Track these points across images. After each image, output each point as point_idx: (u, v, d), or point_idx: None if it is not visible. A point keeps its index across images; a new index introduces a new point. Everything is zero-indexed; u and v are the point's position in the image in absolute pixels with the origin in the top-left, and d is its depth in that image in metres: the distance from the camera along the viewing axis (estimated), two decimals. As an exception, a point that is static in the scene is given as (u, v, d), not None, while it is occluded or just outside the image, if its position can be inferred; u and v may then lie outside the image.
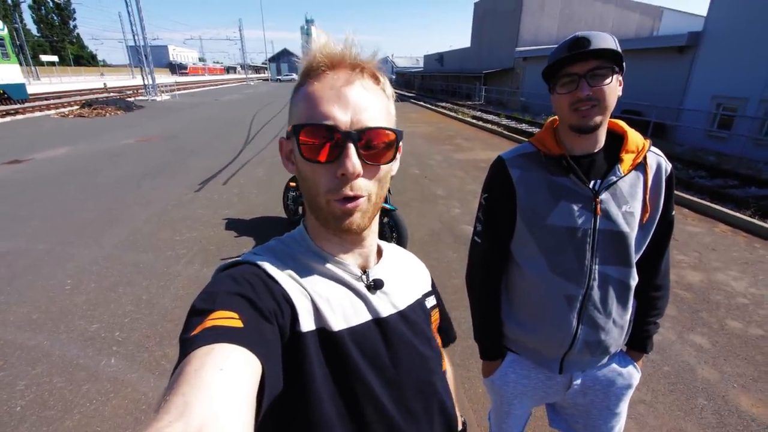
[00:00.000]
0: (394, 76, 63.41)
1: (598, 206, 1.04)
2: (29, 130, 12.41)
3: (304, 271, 0.60)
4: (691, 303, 3.30)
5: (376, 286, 0.64)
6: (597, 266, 1.08)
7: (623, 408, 1.27)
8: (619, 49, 0.95)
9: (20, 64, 18.64)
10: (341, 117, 0.53)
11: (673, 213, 1.13)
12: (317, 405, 0.54)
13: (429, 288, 0.79)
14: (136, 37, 24.14)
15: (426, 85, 40.25)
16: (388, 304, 0.65)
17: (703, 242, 4.56)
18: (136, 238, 4.46)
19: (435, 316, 0.78)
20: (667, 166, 1.08)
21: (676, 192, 1.15)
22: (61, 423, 2.08)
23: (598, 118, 0.98)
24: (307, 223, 0.66)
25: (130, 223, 4.92)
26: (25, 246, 4.24)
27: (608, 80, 0.95)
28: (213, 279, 0.55)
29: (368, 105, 0.55)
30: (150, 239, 4.44)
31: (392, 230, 3.70)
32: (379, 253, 0.72)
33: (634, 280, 1.12)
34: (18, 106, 17.38)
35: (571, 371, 1.20)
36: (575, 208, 1.05)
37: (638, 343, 1.24)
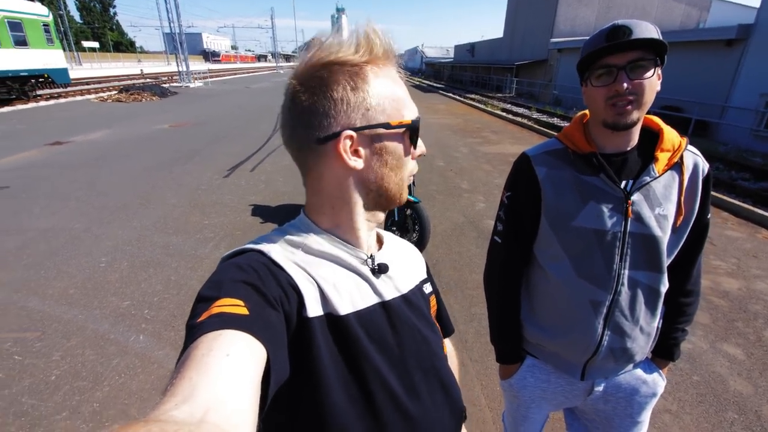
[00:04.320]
0: (423, 67, 62.57)
1: (630, 208, 0.99)
2: (70, 113, 13.01)
3: (309, 257, 0.61)
4: (727, 312, 3.13)
5: (380, 270, 0.65)
6: (626, 271, 1.03)
7: (646, 417, 1.22)
8: (663, 40, 0.89)
9: (63, 49, 19.47)
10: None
11: (709, 216, 1.06)
12: (327, 390, 0.55)
13: (425, 275, 0.80)
14: (171, 25, 24.76)
15: (456, 75, 39.55)
16: (392, 288, 0.66)
17: (743, 248, 4.32)
18: (166, 221, 4.62)
19: (433, 302, 0.80)
20: (704, 166, 1.02)
21: (715, 194, 1.08)
22: (91, 393, 2.20)
23: (635, 115, 0.92)
24: (312, 208, 0.65)
25: (161, 206, 5.10)
26: (64, 224, 4.47)
27: (649, 73, 0.89)
28: (218, 267, 0.56)
29: None
30: (180, 222, 4.59)
31: (415, 222, 3.68)
32: (380, 240, 0.74)
33: (665, 286, 1.06)
34: (61, 90, 18.25)
35: (593, 377, 1.16)
36: (605, 209, 1.00)
37: (665, 351, 1.18)
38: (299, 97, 0.57)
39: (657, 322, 1.11)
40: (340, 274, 0.61)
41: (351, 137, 0.58)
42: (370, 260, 0.65)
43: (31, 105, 14.45)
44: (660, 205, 1.00)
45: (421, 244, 3.65)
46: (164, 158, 7.41)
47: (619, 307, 1.05)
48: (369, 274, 0.64)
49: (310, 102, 0.56)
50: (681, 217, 1.01)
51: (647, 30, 0.88)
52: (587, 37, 1.00)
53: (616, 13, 22.37)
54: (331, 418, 0.55)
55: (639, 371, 1.18)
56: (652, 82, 0.90)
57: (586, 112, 1.07)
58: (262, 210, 4.99)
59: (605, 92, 0.92)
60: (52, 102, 15.47)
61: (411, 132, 0.62)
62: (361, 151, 0.60)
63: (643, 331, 1.09)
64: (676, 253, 1.06)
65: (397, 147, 0.62)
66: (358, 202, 0.63)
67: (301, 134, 0.59)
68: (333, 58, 0.56)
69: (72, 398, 2.16)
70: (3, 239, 4.06)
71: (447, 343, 0.84)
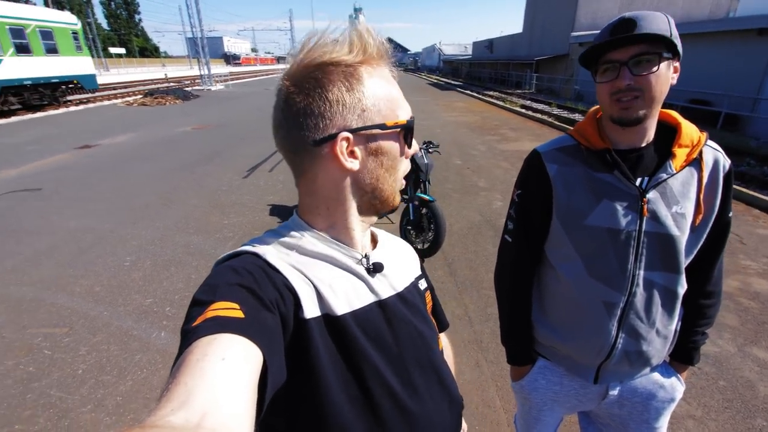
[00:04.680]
0: (441, 64, 62.11)
1: (645, 206, 0.96)
2: (98, 117, 13.50)
3: (304, 258, 0.60)
4: (757, 314, 2.99)
5: (375, 269, 0.65)
6: (641, 271, 0.99)
7: (663, 423, 1.18)
8: (671, 33, 0.85)
9: (91, 56, 20.20)
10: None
11: (731, 214, 1.02)
12: (326, 390, 0.55)
13: (420, 272, 0.80)
14: (193, 30, 25.37)
15: (474, 73, 39.12)
16: (387, 286, 0.66)
17: (777, 247, 4.12)
18: (187, 221, 4.74)
19: (428, 298, 0.80)
20: (725, 162, 0.97)
21: (746, 191, 1.03)
22: (115, 387, 2.28)
23: (641, 111, 0.89)
24: (306, 209, 0.65)
25: (183, 206, 5.23)
26: (92, 225, 4.64)
27: (655, 68, 0.85)
28: (213, 271, 0.56)
29: None
30: (200, 222, 4.71)
31: (430, 221, 3.66)
32: (374, 239, 0.74)
33: (683, 288, 1.02)
34: (89, 95, 18.94)
35: (607, 381, 1.13)
36: (619, 207, 0.97)
37: (684, 355, 1.14)
38: (293, 98, 0.56)
39: (675, 324, 1.08)
40: (336, 275, 0.61)
41: (347, 139, 0.57)
42: (365, 260, 0.65)
43: (61, 110, 15.06)
44: (677, 203, 0.96)
45: (436, 243, 3.63)
46: (186, 160, 7.61)
47: (633, 308, 1.02)
48: (364, 273, 0.64)
49: (305, 103, 0.56)
50: (700, 216, 0.97)
51: (655, 22, 0.85)
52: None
53: (640, 4, 21.66)
54: (331, 418, 0.55)
55: (656, 375, 1.14)
56: (660, 76, 0.87)
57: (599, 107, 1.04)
58: (279, 210, 5.07)
59: (609, 88, 0.90)
60: (81, 107, 16.08)
61: (406, 132, 0.62)
62: (357, 152, 0.59)
63: (660, 334, 1.06)
64: (695, 253, 1.02)
65: (392, 147, 0.62)
66: (353, 203, 0.63)
67: (295, 136, 0.58)
68: (327, 58, 0.55)
69: (97, 391, 2.25)
70: (35, 239, 4.25)
71: (442, 336, 0.84)
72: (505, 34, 35.05)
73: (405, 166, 0.66)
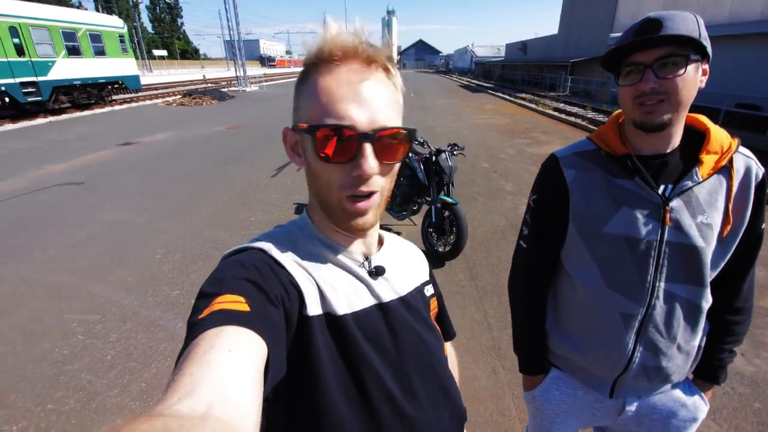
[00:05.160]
0: (473, 66, 61.38)
1: (668, 215, 0.91)
2: (140, 116, 14.18)
3: (308, 258, 0.61)
4: (803, 334, 2.78)
5: (377, 272, 0.65)
6: (662, 283, 0.94)
7: (685, 444, 1.11)
8: (700, 33, 0.81)
9: (136, 58, 21.25)
10: (358, 117, 0.53)
11: (763, 226, 0.95)
12: (324, 388, 0.55)
13: (427, 277, 0.79)
14: (231, 32, 26.24)
15: (506, 75, 38.42)
16: (389, 290, 0.66)
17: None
18: (216, 218, 4.89)
19: (433, 304, 0.78)
20: (758, 170, 0.91)
21: None
22: (140, 374, 2.38)
23: (666, 116, 0.84)
24: (312, 211, 0.66)
25: (213, 203, 5.41)
26: (128, 218, 4.88)
27: (681, 71, 0.81)
28: (220, 264, 0.57)
29: (383, 103, 0.55)
30: (228, 219, 4.85)
31: (452, 224, 3.62)
32: (380, 241, 0.73)
33: (707, 302, 0.96)
34: (132, 95, 19.93)
35: (624, 396, 1.08)
36: (639, 215, 0.93)
37: (709, 373, 1.07)
38: None
39: (698, 340, 1.01)
40: (337, 275, 0.62)
41: (286, 133, 0.61)
42: (366, 263, 0.65)
43: (107, 109, 15.92)
44: (703, 212, 0.91)
45: (458, 247, 3.58)
46: (219, 158, 7.87)
47: (653, 321, 0.97)
48: (365, 275, 0.64)
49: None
50: (728, 227, 0.91)
51: (682, 23, 0.81)
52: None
53: (685, 3, 20.61)
54: (327, 417, 0.56)
55: (678, 392, 1.08)
56: (687, 79, 0.82)
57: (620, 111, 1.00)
58: (305, 208, 5.14)
59: (632, 91, 0.86)
60: (125, 106, 16.96)
61: (312, 137, 0.54)
62: (300, 149, 0.61)
63: (681, 350, 1.00)
64: (722, 265, 0.96)
65: (309, 151, 0.57)
66: (320, 207, 0.64)
67: None
68: (305, 58, 0.58)
69: (123, 377, 2.35)
70: (77, 230, 4.51)
71: (447, 346, 0.83)
72: (540, 36, 34.23)
73: (329, 176, 0.56)
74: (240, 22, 26.13)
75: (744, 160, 0.92)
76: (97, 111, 15.33)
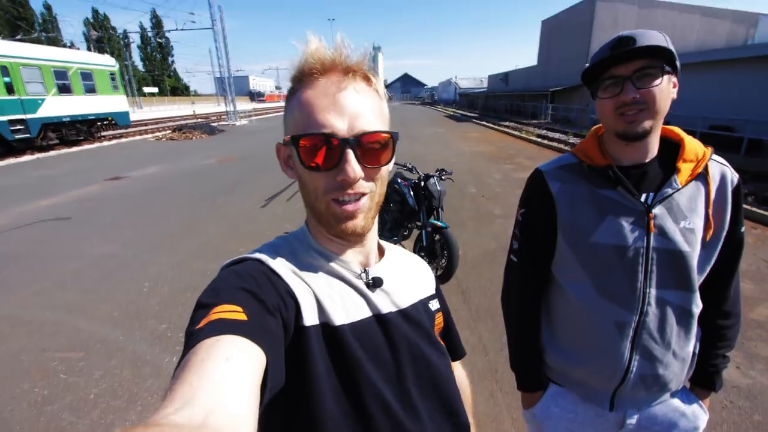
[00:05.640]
0: (458, 97, 63.32)
1: (652, 222, 0.93)
2: (129, 151, 14.20)
3: (306, 268, 0.61)
4: (795, 345, 2.80)
5: (375, 284, 0.64)
6: (652, 289, 0.96)
7: (687, 456, 1.09)
8: (670, 46, 0.87)
9: (127, 95, 21.51)
10: (338, 124, 0.55)
11: (743, 230, 0.98)
12: (320, 398, 0.55)
13: (433, 291, 0.78)
14: (221, 70, 26.87)
15: (490, 104, 39.67)
16: (388, 302, 0.65)
17: (814, 276, 3.88)
18: (206, 249, 4.84)
19: (439, 319, 0.76)
20: (733, 176, 0.95)
21: None
22: (125, 413, 2.27)
23: (647, 124, 0.89)
24: (309, 223, 0.68)
25: (203, 235, 5.36)
26: (116, 251, 4.79)
27: (657, 81, 0.86)
28: (218, 275, 0.58)
29: (363, 109, 0.57)
30: (218, 250, 4.80)
31: (443, 248, 3.63)
32: (382, 252, 0.73)
33: (698, 307, 0.98)
34: (122, 131, 20.03)
35: (624, 408, 1.07)
36: (624, 224, 0.96)
37: (705, 380, 1.07)
38: None
39: (692, 346, 1.02)
40: (335, 285, 0.62)
41: (279, 148, 0.63)
42: (363, 274, 0.65)
43: (96, 145, 15.93)
44: (685, 218, 0.94)
45: (449, 270, 3.58)
46: (209, 190, 7.86)
47: (647, 329, 0.98)
48: (363, 287, 0.63)
49: None
50: (710, 231, 0.94)
51: (653, 38, 0.87)
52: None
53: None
54: (323, 428, 0.55)
55: (676, 402, 1.08)
56: (663, 89, 0.87)
57: (602, 125, 1.05)
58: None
59: (613, 103, 0.90)
60: (114, 141, 17.00)
61: (295, 147, 0.57)
62: (291, 162, 0.62)
63: (677, 356, 1.00)
64: (708, 270, 0.99)
65: (296, 161, 0.60)
66: (313, 218, 0.65)
67: None
68: (290, 75, 0.61)
69: (107, 416, 2.25)
70: (64, 264, 4.41)
71: (457, 366, 0.81)
72: (520, 67, 35.65)
73: (316, 183, 0.58)
74: (230, 59, 26.83)
75: (719, 167, 0.96)
76: (86, 147, 15.33)
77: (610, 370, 1.02)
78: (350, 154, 0.55)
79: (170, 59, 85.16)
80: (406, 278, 0.72)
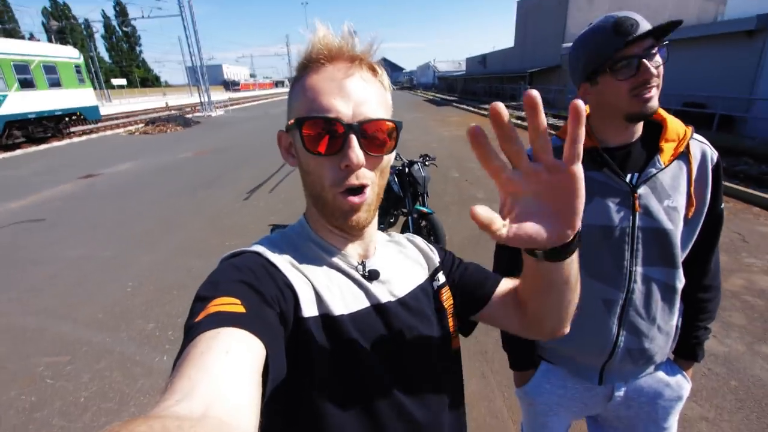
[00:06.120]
0: (436, 81, 63.06)
1: (637, 201, 0.97)
2: (101, 147, 13.70)
3: (305, 260, 0.61)
4: (764, 311, 2.95)
5: (371, 276, 0.65)
6: (638, 267, 1.00)
7: (672, 422, 1.16)
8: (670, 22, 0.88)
9: (94, 88, 20.62)
10: (343, 109, 0.54)
11: (722, 206, 1.02)
12: (323, 389, 0.55)
13: (436, 265, 0.75)
14: (193, 58, 25.97)
15: (468, 88, 39.67)
16: (386, 292, 0.65)
17: (781, 244, 4.09)
18: (189, 245, 4.75)
19: (446, 294, 0.74)
20: (713, 154, 0.99)
21: (745, 189, 1.04)
22: (117, 414, 2.25)
23: (656, 101, 0.91)
24: (308, 214, 0.67)
25: (184, 230, 5.26)
26: (94, 252, 4.66)
27: (663, 59, 0.90)
28: (216, 268, 0.57)
29: (368, 97, 0.56)
30: (201, 245, 4.72)
31: (430, 233, 3.66)
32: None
33: (681, 282, 1.02)
34: (92, 126, 19.26)
35: (612, 381, 1.12)
36: (611, 204, 0.98)
37: (687, 351, 1.13)
38: None
39: (675, 320, 1.07)
40: (333, 277, 0.62)
41: (281, 134, 0.63)
42: (360, 266, 0.65)
43: (65, 142, 15.29)
44: (669, 197, 0.97)
45: (437, 255, 3.62)
46: (187, 185, 7.68)
47: (633, 305, 1.02)
48: (361, 279, 0.64)
49: None
50: (692, 209, 0.98)
51: (644, 20, 0.89)
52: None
53: (629, 9, 22.03)
54: (328, 418, 0.56)
55: (661, 373, 1.13)
56: (662, 68, 0.90)
57: (596, 108, 1.05)
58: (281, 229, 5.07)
59: (630, 84, 0.89)
60: (84, 138, 16.34)
61: (299, 131, 0.56)
62: (293, 149, 0.62)
63: (662, 330, 1.05)
64: (690, 246, 1.03)
65: (299, 147, 0.59)
66: (314, 208, 0.64)
67: None
68: (297, 63, 0.60)
69: (99, 419, 2.22)
70: (38, 269, 4.26)
71: (503, 283, 0.75)
72: (498, 49, 35.64)
73: (320, 171, 0.57)
74: (201, 48, 25.95)
75: (699, 146, 0.99)
76: (55, 144, 14.71)
77: (599, 345, 1.06)
78: (354, 140, 0.54)
79: (138, 49, 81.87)
80: (402, 266, 0.72)
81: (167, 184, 7.83)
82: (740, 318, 2.88)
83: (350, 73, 0.56)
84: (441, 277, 0.74)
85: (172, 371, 0.39)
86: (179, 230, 5.27)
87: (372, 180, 0.59)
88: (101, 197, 7.12)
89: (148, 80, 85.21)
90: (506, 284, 0.75)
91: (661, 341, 1.06)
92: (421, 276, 0.73)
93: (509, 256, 1.17)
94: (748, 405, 2.14)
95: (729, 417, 2.07)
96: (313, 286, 0.59)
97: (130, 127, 19.00)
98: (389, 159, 0.62)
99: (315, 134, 0.55)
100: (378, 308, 0.63)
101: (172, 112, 27.92)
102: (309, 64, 0.58)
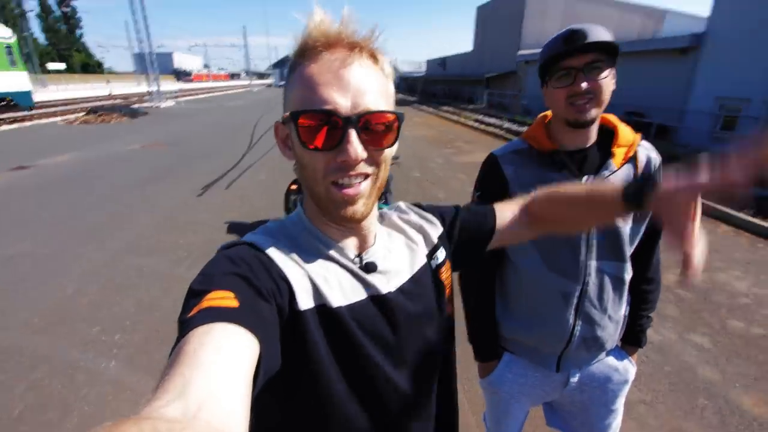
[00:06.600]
0: (398, 81, 63.50)
1: None
2: (35, 136, 12.54)
3: (301, 252, 0.60)
4: (693, 303, 3.27)
5: (369, 268, 0.63)
6: (593, 261, 1.08)
7: (620, 404, 1.26)
8: (615, 42, 0.95)
9: (28, 71, 18.85)
10: (341, 101, 0.52)
11: None
12: (326, 381, 0.55)
13: (434, 242, 0.73)
14: (141, 45, 24.43)
15: (429, 89, 40.33)
16: (384, 282, 0.64)
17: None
18: (140, 242, 4.49)
19: (446, 273, 0.73)
20: (657, 158, 1.09)
21: None
22: (59, 426, 2.09)
23: (594, 112, 0.98)
24: (306, 206, 0.65)
25: (134, 227, 4.95)
26: (30, 250, 4.28)
27: (604, 74, 0.95)
28: (211, 260, 0.55)
29: (368, 87, 0.54)
30: (153, 243, 4.47)
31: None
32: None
33: (629, 274, 1.12)
34: (25, 113, 17.60)
35: (568, 369, 1.20)
36: None
37: (633, 338, 1.24)
38: None
39: (623, 309, 1.17)
40: (330, 268, 0.61)
41: (277, 126, 0.61)
42: (357, 259, 0.63)
43: (-8, 129, 13.86)
44: None
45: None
46: (136, 179, 7.23)
47: (588, 297, 1.09)
48: (359, 270, 0.62)
49: None
50: None
51: (601, 33, 0.95)
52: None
53: (576, 23, 23.34)
54: (333, 410, 0.56)
55: (611, 359, 1.22)
56: (607, 81, 0.97)
57: (548, 113, 1.13)
58: (238, 227, 4.92)
59: (565, 92, 0.97)
60: (15, 125, 14.86)
61: (294, 124, 0.54)
62: (290, 142, 0.59)
63: (612, 319, 1.14)
64: (636, 242, 1.12)
65: (294, 139, 0.56)
66: (311, 200, 0.62)
67: None
68: (293, 50, 0.57)
69: None
70: (-39, 269, 3.85)
71: (500, 208, 0.81)
72: (458, 53, 36.49)
73: (315, 164, 0.55)
74: (151, 34, 24.47)
75: (645, 151, 1.09)
76: (-21, 132, 13.31)
77: (557, 335, 1.13)
78: (353, 134, 0.52)
79: (78, 32, 75.79)
80: (400, 254, 0.69)
81: (113, 178, 7.32)
82: (672, 310, 3.16)
83: (349, 61, 0.53)
84: (440, 255, 0.73)
85: (165, 367, 0.38)
86: (128, 226, 4.95)
87: (373, 171, 0.57)
88: (37, 190, 6.54)
89: (90, 66, 79.09)
90: (505, 208, 0.81)
91: (612, 329, 1.15)
92: (420, 259, 0.71)
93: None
94: (680, 388, 2.37)
95: (663, 399, 2.28)
96: (309, 277, 0.57)
97: (68, 116, 17.48)
98: (392, 151, 0.60)
99: (311, 128, 0.52)
100: (377, 299, 0.62)
101: (117, 101, 26.14)
102: (305, 52, 0.54)
